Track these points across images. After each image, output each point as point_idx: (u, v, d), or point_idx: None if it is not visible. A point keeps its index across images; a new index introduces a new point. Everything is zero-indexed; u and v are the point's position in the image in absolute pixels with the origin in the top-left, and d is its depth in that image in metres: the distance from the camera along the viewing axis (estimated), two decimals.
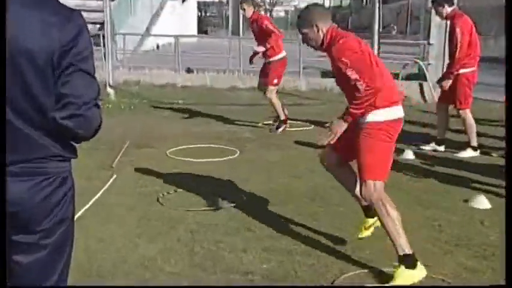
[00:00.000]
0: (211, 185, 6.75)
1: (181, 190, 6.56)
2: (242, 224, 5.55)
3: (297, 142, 9.13)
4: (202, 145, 8.80)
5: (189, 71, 16.88)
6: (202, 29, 33.51)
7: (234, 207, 6.02)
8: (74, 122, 2.33)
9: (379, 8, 13.95)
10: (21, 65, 2.28)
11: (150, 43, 22.90)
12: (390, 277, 4.39)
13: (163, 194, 6.37)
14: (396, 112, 4.54)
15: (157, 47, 23.34)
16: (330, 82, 14.07)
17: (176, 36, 18.07)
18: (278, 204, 6.09)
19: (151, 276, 4.45)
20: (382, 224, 4.46)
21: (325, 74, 15.23)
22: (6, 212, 2.30)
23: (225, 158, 8.08)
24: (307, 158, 8.03)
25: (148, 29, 23.01)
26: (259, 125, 10.54)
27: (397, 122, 4.54)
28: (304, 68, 15.88)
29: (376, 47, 12.90)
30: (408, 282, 4.30)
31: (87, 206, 5.79)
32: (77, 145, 2.56)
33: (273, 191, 6.54)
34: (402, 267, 4.30)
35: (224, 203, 6.11)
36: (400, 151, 7.75)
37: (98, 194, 6.22)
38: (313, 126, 10.39)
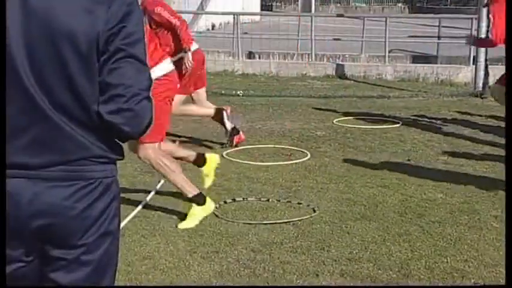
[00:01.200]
0: (276, 194, 6.71)
1: (240, 199, 6.56)
2: (314, 243, 5.49)
3: (382, 144, 9.04)
4: (265, 146, 8.79)
5: (250, 56, 16.91)
6: (266, 5, 33.44)
7: (304, 221, 5.96)
8: (122, 117, 2.32)
9: None
10: (62, 50, 2.29)
11: (203, 23, 22.95)
12: None
13: (219, 204, 6.35)
14: None
15: (213, 27, 23.41)
16: (423, 68, 13.95)
17: (235, 14, 18.17)
18: (360, 220, 6.01)
19: None
20: (170, 181, 5.90)
21: (417, 59, 15.00)
22: (6, 213, 2.33)
23: (292, 162, 8.02)
24: (395, 164, 8.00)
25: (202, 6, 23.08)
26: (334, 122, 10.42)
27: None
28: (390, 52, 15.69)
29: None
30: (202, 215, 5.80)
31: (129, 217, 5.84)
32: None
33: (353, 203, 6.46)
34: (194, 205, 5.80)
35: (292, 216, 6.07)
36: None
37: (143, 203, 6.27)
38: (401, 123, 10.24)
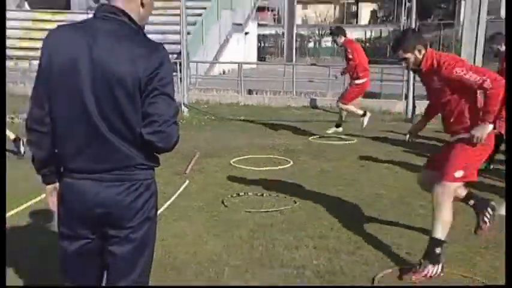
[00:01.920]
0: (269, 191, 6.66)
1: (243, 194, 6.52)
2: (295, 225, 5.46)
3: (343, 154, 8.95)
4: (261, 156, 8.73)
5: (250, 92, 16.91)
6: (261, 57, 33.54)
7: (288, 210, 5.93)
8: (157, 137, 2.33)
9: None
10: (115, 89, 2.30)
11: (217, 69, 23.05)
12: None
13: (227, 198, 6.34)
14: None
15: (224, 72, 23.47)
16: (371, 101, 13.92)
17: (239, 63, 18.20)
18: (328, 208, 5.97)
19: (219, 270, 4.39)
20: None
21: (366, 95, 15.07)
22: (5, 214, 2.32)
23: (280, 167, 7.99)
24: (353, 168, 7.98)
25: (216, 57, 23.18)
26: (310, 139, 10.36)
27: None
28: None
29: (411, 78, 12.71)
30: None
31: (163, 208, 5.82)
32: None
33: (323, 197, 6.42)
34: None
35: (279, 206, 6.03)
36: None
37: (173, 198, 6.25)
38: (356, 140, 10.17)
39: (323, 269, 4.45)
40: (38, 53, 2.44)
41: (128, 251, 2.48)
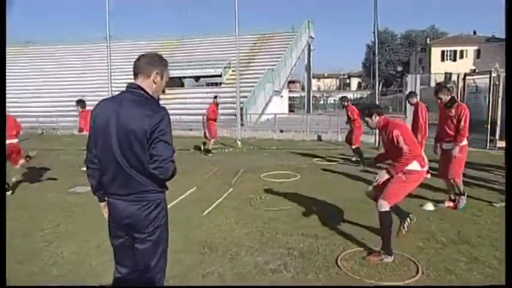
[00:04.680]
0: (281, 195, 6.30)
1: (264, 197, 6.18)
2: (292, 218, 5.11)
3: (333, 170, 8.46)
4: (280, 171, 8.34)
5: (281, 131, 16.59)
6: (291, 109, 33.24)
7: (291, 209, 5.56)
8: (158, 170, 2.12)
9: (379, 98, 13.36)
10: (130, 138, 2.12)
11: (263, 118, 22.86)
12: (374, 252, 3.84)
13: (253, 200, 6.03)
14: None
15: (267, 119, 23.27)
16: None
17: (275, 114, 18.01)
18: (317, 208, 5.56)
19: (238, 249, 4.09)
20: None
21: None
22: (5, 214, 2.13)
23: (290, 180, 7.60)
24: (339, 179, 7.52)
25: (263, 111, 23.00)
26: (313, 160, 9.92)
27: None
28: (341, 129, 15.01)
29: None
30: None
31: (211, 207, 5.59)
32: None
33: (315, 200, 6.00)
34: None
35: (285, 205, 5.69)
36: None
37: (218, 201, 5.99)
38: (340, 161, 9.68)
39: (305, 249, 4.10)
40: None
41: (146, 248, 2.27)
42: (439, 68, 40.22)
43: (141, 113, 2.15)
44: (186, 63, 25.35)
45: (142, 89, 2.24)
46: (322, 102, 40.83)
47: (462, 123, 5.23)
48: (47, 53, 31.00)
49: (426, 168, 4.08)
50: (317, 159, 10.10)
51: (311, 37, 30.81)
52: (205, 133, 11.33)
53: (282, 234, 4.55)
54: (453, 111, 5.30)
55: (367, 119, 4.01)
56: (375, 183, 4.02)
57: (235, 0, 13.77)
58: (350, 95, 36.09)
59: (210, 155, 10.99)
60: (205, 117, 11.26)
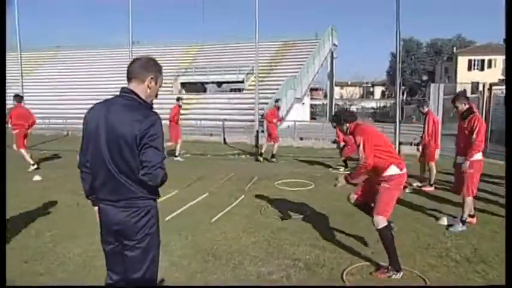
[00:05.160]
0: (293, 204, 6.17)
1: (274, 206, 6.06)
2: (302, 228, 4.99)
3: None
4: (295, 180, 8.20)
5: (301, 138, 16.39)
6: (313, 117, 33.00)
7: (301, 218, 5.43)
8: (147, 176, 2.08)
9: (402, 107, 13.07)
10: (120, 143, 2.09)
11: (285, 124, 22.72)
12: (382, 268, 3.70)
13: (264, 208, 5.93)
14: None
15: (288, 126, 23.14)
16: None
17: (294, 121, 17.91)
18: (328, 218, 5.42)
19: (242, 259, 4.02)
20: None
21: None
22: (5, 214, 2.09)
23: (305, 188, 7.47)
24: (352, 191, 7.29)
25: (284, 118, 22.88)
26: (330, 169, 9.72)
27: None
28: None
29: (397, 130, 11.85)
30: None
31: (222, 213, 5.53)
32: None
33: (326, 210, 5.84)
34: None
35: (296, 215, 5.56)
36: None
37: (229, 207, 5.92)
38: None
39: (311, 261, 4.00)
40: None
41: (136, 256, 2.23)
42: (465, 77, 39.15)
43: (131, 118, 2.11)
44: (209, 69, 25.55)
45: (135, 93, 2.21)
46: None
47: (474, 135, 4.82)
48: (75, 57, 31.93)
49: (405, 170, 3.89)
50: (333, 168, 9.89)
51: (334, 44, 30.52)
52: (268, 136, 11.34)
53: (289, 244, 4.44)
54: (466, 122, 4.99)
55: (338, 126, 4.05)
56: (336, 187, 4.18)
57: (255, 8, 14.19)
58: (373, 104, 35.61)
59: (261, 159, 11.06)
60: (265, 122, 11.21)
